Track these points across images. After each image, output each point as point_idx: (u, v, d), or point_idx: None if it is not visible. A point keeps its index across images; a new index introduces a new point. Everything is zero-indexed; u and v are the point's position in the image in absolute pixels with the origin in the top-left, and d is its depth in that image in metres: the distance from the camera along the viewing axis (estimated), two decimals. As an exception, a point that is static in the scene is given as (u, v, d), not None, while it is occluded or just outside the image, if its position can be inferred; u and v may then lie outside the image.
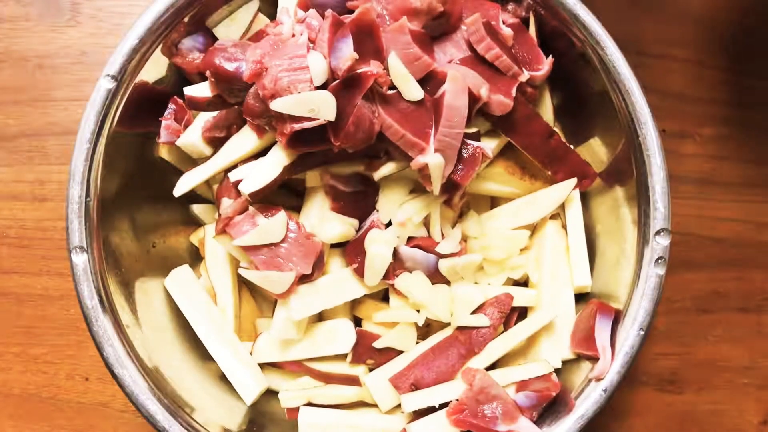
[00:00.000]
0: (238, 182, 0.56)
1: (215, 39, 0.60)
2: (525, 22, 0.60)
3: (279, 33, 0.54)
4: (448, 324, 0.60)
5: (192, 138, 0.60)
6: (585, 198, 0.63)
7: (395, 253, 0.58)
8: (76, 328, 0.70)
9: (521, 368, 0.59)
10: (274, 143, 0.57)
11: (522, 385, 0.58)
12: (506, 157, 0.61)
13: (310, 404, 0.61)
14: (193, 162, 0.62)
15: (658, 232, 0.55)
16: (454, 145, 0.55)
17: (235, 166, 0.58)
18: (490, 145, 0.58)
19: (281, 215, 0.57)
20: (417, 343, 0.60)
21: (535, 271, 0.61)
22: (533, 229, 0.62)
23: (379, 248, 0.57)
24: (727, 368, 0.71)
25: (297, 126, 0.52)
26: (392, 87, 0.54)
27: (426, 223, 0.59)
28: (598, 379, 0.55)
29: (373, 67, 0.52)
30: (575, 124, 0.63)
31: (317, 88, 0.52)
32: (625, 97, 0.56)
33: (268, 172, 0.56)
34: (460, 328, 0.59)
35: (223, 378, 0.61)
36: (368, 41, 0.53)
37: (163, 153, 0.62)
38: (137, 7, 0.71)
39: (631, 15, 0.72)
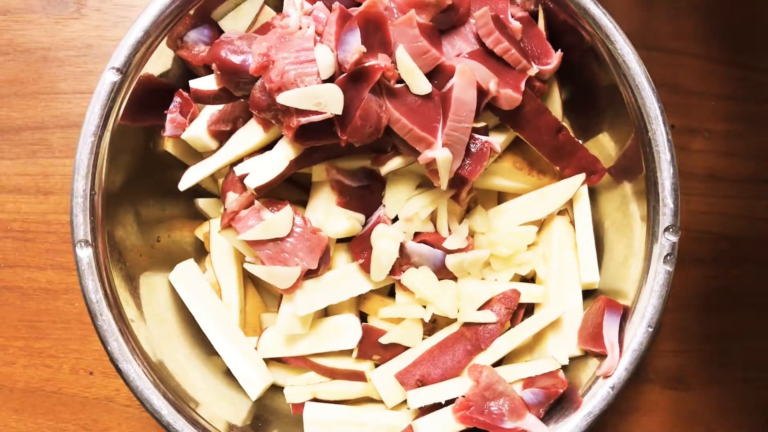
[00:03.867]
0: (244, 176, 0.56)
1: (221, 31, 0.60)
2: (534, 15, 0.59)
3: (286, 26, 0.53)
4: (455, 320, 0.60)
5: (197, 131, 0.60)
6: (593, 194, 0.62)
7: (402, 248, 0.58)
8: (81, 321, 0.70)
9: (528, 365, 0.58)
10: (280, 137, 0.57)
11: (529, 382, 0.57)
12: (514, 152, 0.61)
13: (315, 400, 0.61)
14: (199, 156, 0.62)
15: (667, 229, 0.55)
16: (462, 139, 0.54)
17: (240, 160, 0.58)
18: (498, 140, 0.57)
19: (287, 210, 0.57)
20: (423, 339, 0.60)
21: (542, 268, 0.60)
22: (541, 224, 0.62)
23: (385, 243, 0.57)
24: (735, 366, 0.71)
25: (304, 120, 0.52)
26: (400, 81, 0.54)
27: (433, 218, 0.58)
28: (606, 377, 0.55)
29: (380, 61, 0.52)
30: (584, 119, 0.63)
31: (324, 81, 0.51)
32: (635, 92, 0.56)
33: (274, 166, 0.56)
34: (466, 324, 0.59)
35: (228, 373, 0.61)
36: (376, 34, 0.52)
37: (168, 146, 0.62)
38: None
39: (641, 9, 0.71)
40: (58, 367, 0.69)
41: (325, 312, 0.61)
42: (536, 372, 0.58)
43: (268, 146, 0.57)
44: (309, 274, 0.58)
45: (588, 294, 0.61)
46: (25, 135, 0.70)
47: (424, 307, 0.59)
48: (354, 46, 0.51)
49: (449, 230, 0.59)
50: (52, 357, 0.69)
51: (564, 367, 0.59)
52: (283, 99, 0.51)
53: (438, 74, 0.54)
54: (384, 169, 0.57)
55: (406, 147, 0.55)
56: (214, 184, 0.65)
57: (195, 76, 0.61)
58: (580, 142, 0.61)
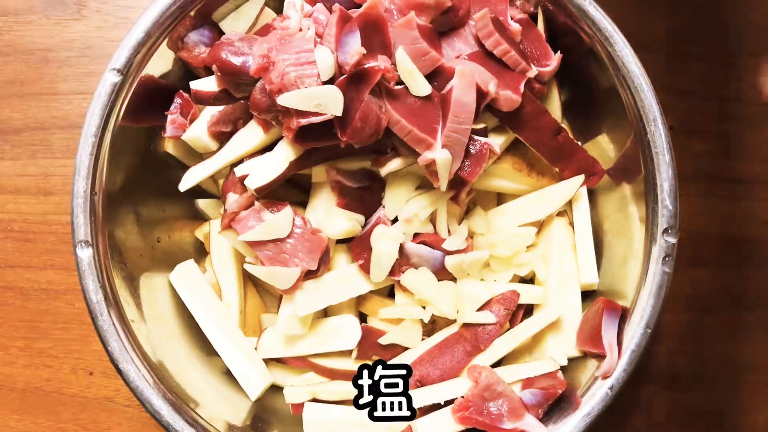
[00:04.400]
0: (244, 177, 0.56)
1: (221, 33, 0.60)
2: (533, 17, 0.59)
3: (286, 27, 0.53)
4: (454, 321, 0.60)
5: (198, 132, 0.60)
6: (592, 195, 0.62)
7: (401, 249, 0.58)
8: (81, 322, 0.70)
9: (527, 366, 0.58)
10: (280, 138, 0.57)
11: (528, 383, 0.57)
12: (513, 153, 0.61)
13: (315, 400, 0.61)
14: (199, 157, 0.62)
15: (665, 230, 0.55)
16: (462, 141, 0.54)
17: (241, 161, 0.58)
18: (497, 142, 0.58)
19: (287, 211, 0.57)
20: (422, 339, 0.60)
21: (541, 269, 0.61)
22: (540, 226, 0.62)
23: (385, 244, 0.57)
24: (733, 367, 0.71)
25: (304, 121, 0.52)
26: (399, 82, 0.54)
27: (432, 219, 0.59)
28: (605, 377, 0.55)
29: (380, 62, 0.52)
30: (583, 120, 0.63)
31: (324, 82, 0.52)
32: (634, 93, 0.56)
33: (274, 167, 0.56)
34: (465, 325, 0.59)
35: (227, 373, 0.61)
36: (376, 36, 0.53)
37: (169, 147, 0.62)
38: (143, 0, 0.70)
39: (640, 11, 0.71)
40: (58, 367, 0.70)
41: (325, 312, 0.62)
42: (535, 373, 0.58)
43: (269, 147, 0.57)
44: (309, 274, 0.58)
45: (587, 295, 0.61)
46: (25, 136, 0.70)
47: (424, 307, 0.59)
48: (354, 47, 0.51)
49: (449, 231, 0.59)
50: (52, 357, 0.70)
51: (563, 368, 0.59)
52: (283, 100, 0.51)
53: (438, 76, 0.54)
54: (384, 171, 0.57)
55: (405, 148, 0.55)
56: (214, 184, 0.65)
57: (195, 77, 0.61)
58: (579, 143, 0.61)
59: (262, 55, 0.52)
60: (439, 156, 0.53)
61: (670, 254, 0.55)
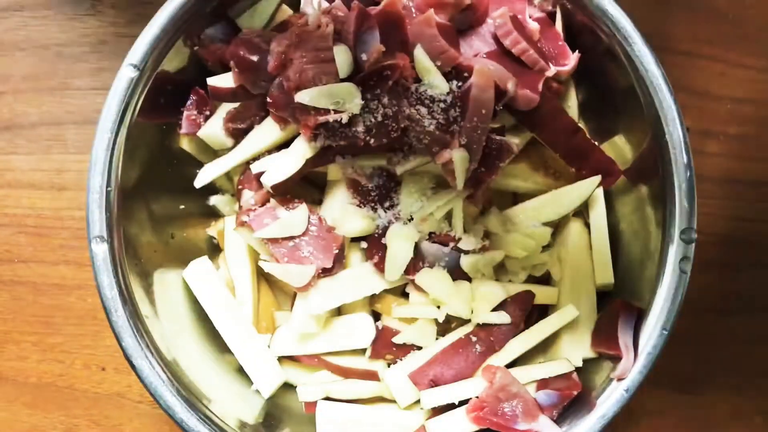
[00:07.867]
0: (260, 174, 0.56)
1: (237, 29, 0.60)
2: (551, 16, 0.59)
3: (304, 24, 0.53)
4: (469, 321, 0.60)
5: (213, 129, 0.60)
6: (609, 196, 0.62)
7: (416, 248, 0.57)
8: (93, 317, 0.70)
9: (542, 366, 0.58)
10: (296, 135, 0.57)
11: (542, 384, 0.57)
12: (530, 153, 0.61)
13: (328, 399, 0.61)
14: (214, 153, 0.62)
15: (683, 231, 0.54)
16: (480, 139, 0.54)
17: (256, 158, 0.58)
18: (514, 141, 0.57)
19: (302, 208, 0.57)
20: (436, 339, 0.60)
21: (557, 269, 0.60)
22: (556, 226, 0.62)
23: (400, 243, 0.57)
24: (748, 370, 0.70)
25: (321, 118, 0.52)
26: (417, 80, 0.53)
27: (448, 218, 0.58)
28: (620, 379, 0.55)
29: (398, 60, 0.52)
30: (600, 120, 0.62)
31: (342, 80, 0.51)
32: (652, 93, 0.55)
33: (290, 164, 0.55)
34: (480, 325, 0.59)
35: (240, 371, 0.61)
36: (394, 33, 0.52)
37: (184, 144, 0.62)
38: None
39: (658, 11, 0.71)
40: (71, 362, 0.69)
41: (339, 311, 0.61)
42: (550, 374, 0.57)
43: (285, 144, 0.57)
44: (323, 272, 0.58)
45: (603, 296, 0.61)
46: (40, 130, 0.70)
47: (438, 307, 0.59)
48: (372, 45, 0.51)
49: (464, 231, 0.59)
50: (64, 352, 0.70)
51: (578, 369, 0.58)
52: (301, 97, 0.51)
53: (456, 74, 0.54)
54: (400, 169, 0.56)
55: (422, 146, 0.55)
56: (228, 181, 0.64)
57: (210, 73, 0.60)
58: (597, 143, 0.61)
59: (280, 51, 0.52)
60: (457, 155, 0.53)
61: (687, 255, 0.54)
